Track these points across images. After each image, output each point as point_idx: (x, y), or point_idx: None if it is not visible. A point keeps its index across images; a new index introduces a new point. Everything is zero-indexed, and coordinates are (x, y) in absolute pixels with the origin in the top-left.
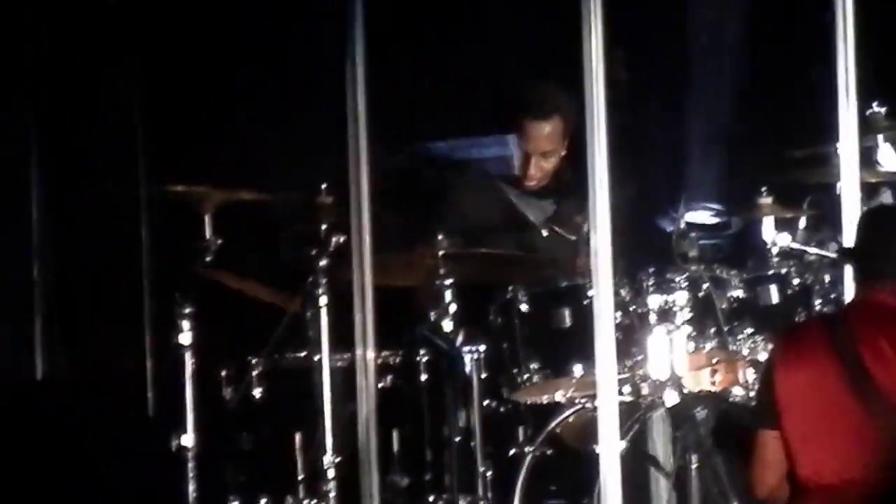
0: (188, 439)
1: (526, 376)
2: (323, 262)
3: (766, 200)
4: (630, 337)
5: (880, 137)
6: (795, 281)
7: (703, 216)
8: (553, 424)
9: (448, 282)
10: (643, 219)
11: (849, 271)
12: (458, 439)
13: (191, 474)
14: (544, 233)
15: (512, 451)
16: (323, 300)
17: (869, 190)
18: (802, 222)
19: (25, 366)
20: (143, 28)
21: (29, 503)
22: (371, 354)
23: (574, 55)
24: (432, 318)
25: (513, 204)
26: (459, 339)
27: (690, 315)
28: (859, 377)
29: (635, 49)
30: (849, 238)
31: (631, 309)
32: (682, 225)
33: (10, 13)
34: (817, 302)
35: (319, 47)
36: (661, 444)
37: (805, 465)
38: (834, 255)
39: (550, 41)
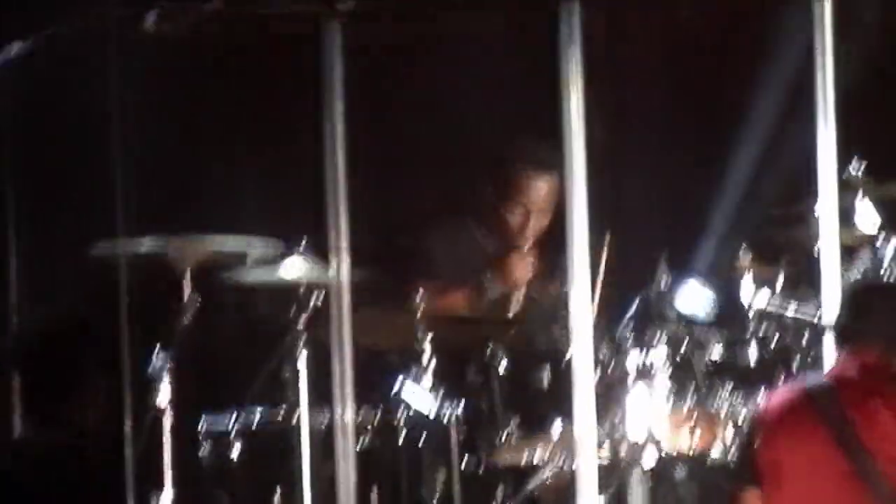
0: (166, 497)
1: (504, 436)
2: (301, 321)
3: (745, 259)
4: (609, 396)
5: (857, 197)
6: (774, 342)
7: (695, 307)
8: (531, 485)
9: (426, 341)
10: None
11: (829, 339)
12: (436, 499)
13: None
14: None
15: None
16: (301, 359)
17: (847, 250)
18: (780, 282)
19: (2, 423)
20: (123, 75)
21: None
22: (350, 413)
23: (552, 114)
24: (411, 378)
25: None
26: (438, 398)
27: (669, 375)
28: (846, 438)
29: (612, 109)
30: (829, 299)
31: (610, 368)
32: (662, 285)
33: None
34: (796, 362)
35: (297, 100)
36: None
37: None
38: (811, 319)
39: (528, 99)
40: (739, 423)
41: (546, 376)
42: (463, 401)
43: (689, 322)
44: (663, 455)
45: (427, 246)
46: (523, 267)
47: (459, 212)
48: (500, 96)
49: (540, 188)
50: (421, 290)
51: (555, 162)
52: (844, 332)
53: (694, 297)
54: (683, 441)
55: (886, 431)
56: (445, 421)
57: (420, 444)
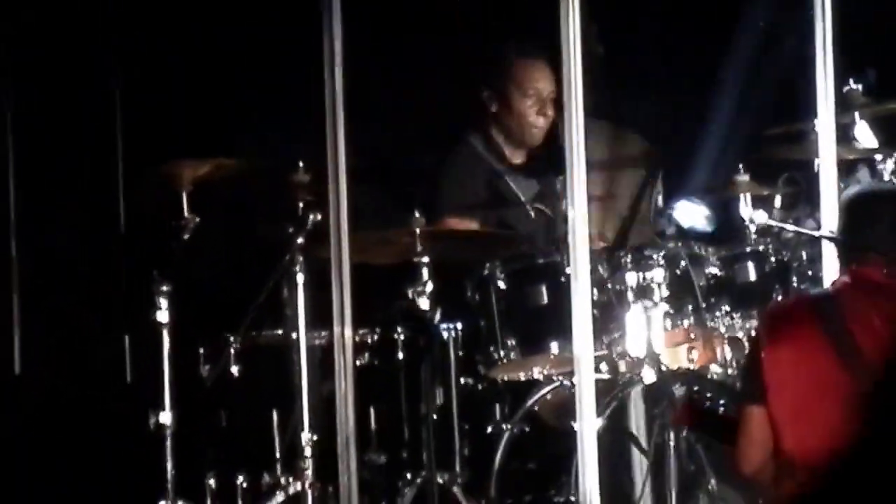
0: (166, 417)
1: (503, 353)
2: (300, 240)
3: (743, 177)
4: (607, 314)
5: (857, 114)
6: (772, 258)
7: (694, 218)
8: (530, 401)
9: (425, 259)
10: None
11: (830, 251)
12: (435, 417)
13: (169, 452)
14: (531, 213)
15: (489, 429)
16: (300, 278)
17: (846, 167)
18: (779, 199)
19: (3, 343)
20: (120, 4)
21: (7, 483)
22: (349, 332)
23: (551, 30)
24: (409, 296)
25: (502, 180)
26: (437, 316)
27: (668, 292)
28: (849, 351)
29: (610, 24)
30: (828, 216)
31: (608, 286)
32: (660, 203)
33: None
34: (794, 279)
35: (297, 22)
36: (638, 421)
37: (792, 441)
38: (811, 232)
39: (526, 15)
40: (738, 339)
41: (545, 293)
42: (461, 318)
43: (687, 235)
44: (662, 371)
45: (428, 165)
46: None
47: (461, 128)
48: (497, 12)
49: (544, 72)
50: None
51: (549, 53)
52: (846, 244)
53: (690, 212)
54: (682, 358)
55: (886, 346)
56: (444, 338)
57: (419, 361)
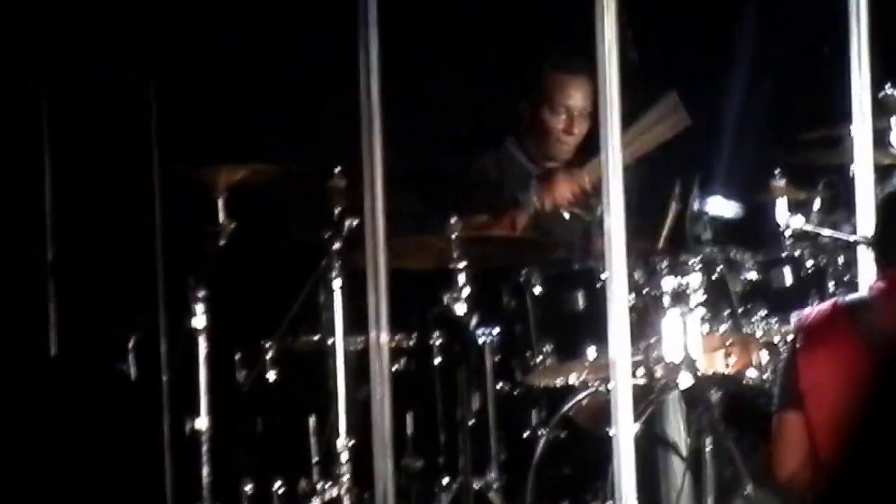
0: (202, 422)
1: (539, 359)
2: (336, 246)
3: (780, 182)
4: (644, 319)
5: (893, 119)
6: (809, 263)
7: (722, 207)
8: (567, 407)
9: (461, 265)
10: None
11: (866, 255)
12: (471, 422)
13: (204, 457)
14: (566, 215)
15: (525, 434)
16: (336, 283)
17: (882, 172)
18: (816, 204)
19: (39, 349)
20: (155, 7)
21: (42, 486)
22: (385, 337)
23: (586, 35)
24: (445, 302)
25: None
26: (473, 321)
27: (704, 297)
28: (885, 356)
29: (644, 27)
30: (864, 221)
31: (644, 291)
32: (696, 206)
33: None
34: (831, 284)
35: (333, 27)
36: (675, 427)
37: (828, 446)
38: (848, 238)
39: (562, 21)
40: (774, 344)
41: (581, 298)
42: (498, 323)
43: (715, 222)
44: (699, 377)
45: (466, 170)
46: (568, 183)
47: (499, 133)
48: (534, 16)
49: (579, 87)
50: (455, 215)
51: (588, 64)
52: (882, 248)
53: (720, 204)
54: (719, 363)
55: None
56: (480, 343)
57: (455, 367)
